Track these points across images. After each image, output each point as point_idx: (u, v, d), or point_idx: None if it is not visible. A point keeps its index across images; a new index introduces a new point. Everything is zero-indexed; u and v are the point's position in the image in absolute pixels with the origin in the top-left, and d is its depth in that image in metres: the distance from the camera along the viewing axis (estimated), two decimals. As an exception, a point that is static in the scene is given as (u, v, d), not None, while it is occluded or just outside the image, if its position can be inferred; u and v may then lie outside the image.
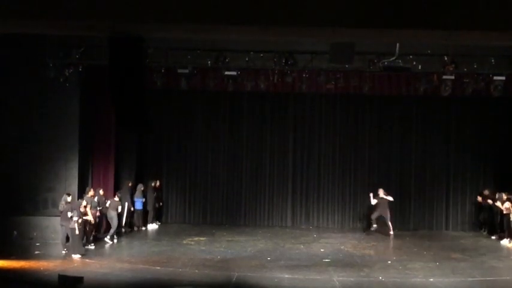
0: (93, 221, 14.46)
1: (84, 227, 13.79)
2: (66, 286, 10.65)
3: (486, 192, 17.40)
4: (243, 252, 14.48)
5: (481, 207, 17.66)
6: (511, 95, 15.78)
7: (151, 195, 17.72)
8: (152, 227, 17.74)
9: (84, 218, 13.51)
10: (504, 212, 15.79)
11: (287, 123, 18.76)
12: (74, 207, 13.45)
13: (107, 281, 11.43)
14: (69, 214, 13.28)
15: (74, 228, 13.21)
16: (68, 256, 13.25)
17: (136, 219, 17.34)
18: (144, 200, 17.43)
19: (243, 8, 7.17)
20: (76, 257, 13.13)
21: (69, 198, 13.77)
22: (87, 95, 15.95)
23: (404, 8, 7.11)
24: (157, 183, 18.14)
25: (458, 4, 7.15)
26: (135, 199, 17.26)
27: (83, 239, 13.66)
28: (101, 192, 15.59)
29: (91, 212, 14.23)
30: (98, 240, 15.08)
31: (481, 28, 7.27)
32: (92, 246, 14.36)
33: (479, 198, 17.56)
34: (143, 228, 17.41)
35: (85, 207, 13.94)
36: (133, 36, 7.82)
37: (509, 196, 15.79)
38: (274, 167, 18.80)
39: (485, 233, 17.40)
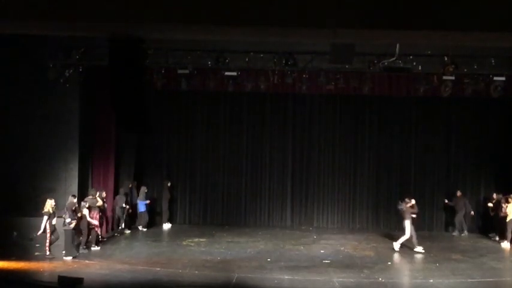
0: (96, 222, 14.44)
1: (77, 229, 13.78)
2: (66, 287, 10.65)
3: (459, 193, 17.42)
4: (243, 253, 14.48)
5: (448, 207, 17.78)
6: (510, 96, 15.78)
7: (166, 195, 18.01)
8: (167, 226, 17.96)
9: (74, 221, 13.49)
10: (502, 215, 15.81)
11: (287, 124, 18.76)
12: (67, 209, 13.44)
13: (106, 282, 11.43)
14: (63, 215, 13.34)
15: (67, 230, 13.25)
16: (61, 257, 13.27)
17: (141, 220, 17.42)
18: (147, 202, 17.49)
19: (243, 8, 7.16)
20: (68, 259, 13.14)
21: (74, 200, 13.79)
22: (87, 96, 15.97)
23: (404, 8, 7.11)
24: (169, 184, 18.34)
25: (458, 4, 7.14)
26: (139, 202, 17.32)
27: (74, 242, 13.60)
28: (103, 194, 15.60)
29: (93, 214, 14.24)
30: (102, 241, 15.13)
31: (481, 29, 7.27)
32: (97, 247, 14.40)
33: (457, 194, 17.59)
34: (144, 229, 17.41)
35: (88, 208, 13.97)
36: (134, 37, 7.82)
37: (507, 197, 15.79)
38: (274, 168, 18.81)
39: (455, 233, 17.49)
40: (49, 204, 13.41)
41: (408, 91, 16.23)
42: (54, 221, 13.47)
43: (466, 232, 17.54)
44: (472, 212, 17.51)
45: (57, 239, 13.53)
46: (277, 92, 16.90)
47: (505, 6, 7.08)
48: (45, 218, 13.33)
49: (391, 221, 18.42)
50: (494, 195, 16.83)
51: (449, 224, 18.22)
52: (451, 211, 18.12)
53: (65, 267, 12.45)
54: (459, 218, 17.52)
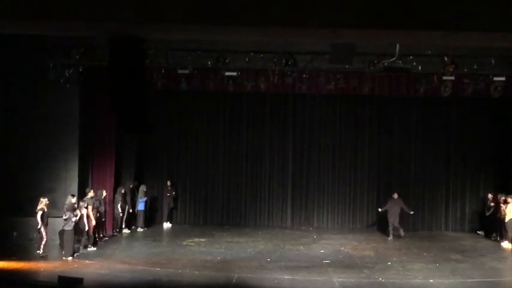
0: (93, 222, 14.45)
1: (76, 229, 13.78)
2: (66, 287, 10.65)
3: (395, 196, 16.75)
4: (243, 253, 14.48)
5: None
6: (510, 96, 15.78)
7: (166, 195, 18.12)
8: (166, 226, 18.05)
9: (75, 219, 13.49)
10: (502, 215, 15.80)
11: (287, 124, 18.77)
12: (68, 208, 13.43)
13: (106, 282, 11.43)
14: (64, 216, 13.32)
15: (68, 230, 13.25)
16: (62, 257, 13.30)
17: (139, 219, 17.43)
18: (146, 200, 17.51)
19: (243, 8, 7.16)
20: (69, 258, 13.16)
21: (73, 200, 13.79)
22: (87, 96, 15.97)
23: (404, 8, 7.10)
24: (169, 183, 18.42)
25: (458, 4, 7.14)
26: (139, 200, 17.34)
27: (73, 241, 13.60)
28: (104, 193, 15.61)
29: (92, 213, 14.26)
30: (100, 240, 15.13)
31: (481, 28, 7.26)
32: (93, 248, 14.39)
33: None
34: (141, 230, 17.39)
35: (86, 207, 13.98)
36: (134, 37, 7.81)
37: (507, 197, 15.78)
38: (274, 168, 18.81)
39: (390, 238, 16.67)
40: (43, 203, 13.45)
41: (408, 91, 16.22)
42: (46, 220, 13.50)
43: (402, 232, 16.66)
44: (412, 212, 16.89)
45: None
46: (277, 92, 16.89)
47: (505, 6, 7.07)
48: (40, 213, 13.34)
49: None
50: (489, 196, 16.82)
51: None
52: (453, 210, 18.19)
53: (65, 267, 12.45)
54: (392, 221, 16.64)
